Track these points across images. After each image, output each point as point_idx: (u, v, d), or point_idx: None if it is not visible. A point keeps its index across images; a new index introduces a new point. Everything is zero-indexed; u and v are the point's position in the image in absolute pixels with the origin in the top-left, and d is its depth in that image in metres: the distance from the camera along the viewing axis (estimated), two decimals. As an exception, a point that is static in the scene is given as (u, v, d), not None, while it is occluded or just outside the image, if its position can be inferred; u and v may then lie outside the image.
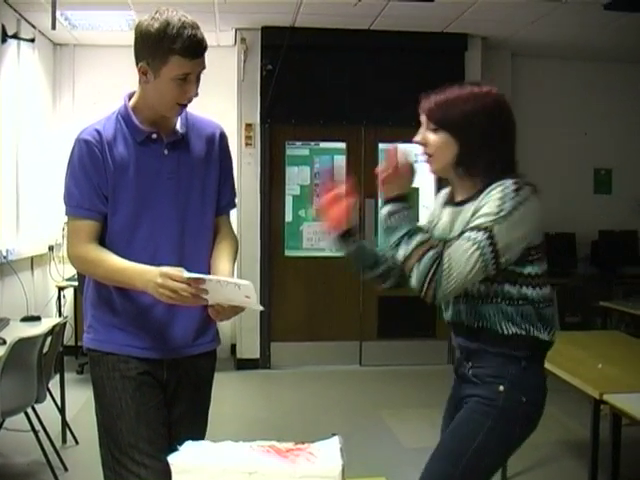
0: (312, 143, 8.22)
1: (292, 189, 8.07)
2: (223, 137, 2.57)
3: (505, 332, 2.28)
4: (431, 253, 2.17)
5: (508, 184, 2.19)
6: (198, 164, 2.47)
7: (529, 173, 2.31)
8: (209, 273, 2.43)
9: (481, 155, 2.29)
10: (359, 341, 7.90)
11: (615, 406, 3.10)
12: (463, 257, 2.14)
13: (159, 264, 2.27)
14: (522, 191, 2.18)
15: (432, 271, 2.15)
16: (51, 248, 7.51)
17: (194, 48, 2.26)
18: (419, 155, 2.37)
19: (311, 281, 7.91)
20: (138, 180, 2.38)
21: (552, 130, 8.42)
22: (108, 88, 7.36)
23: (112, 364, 2.41)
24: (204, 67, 2.33)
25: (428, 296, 2.18)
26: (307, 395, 6.65)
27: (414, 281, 2.19)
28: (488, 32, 7.77)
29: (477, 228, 2.15)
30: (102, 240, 2.40)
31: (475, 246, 2.14)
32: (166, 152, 2.42)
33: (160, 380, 2.45)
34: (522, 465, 4.64)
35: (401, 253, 2.23)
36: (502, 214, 2.15)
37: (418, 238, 2.22)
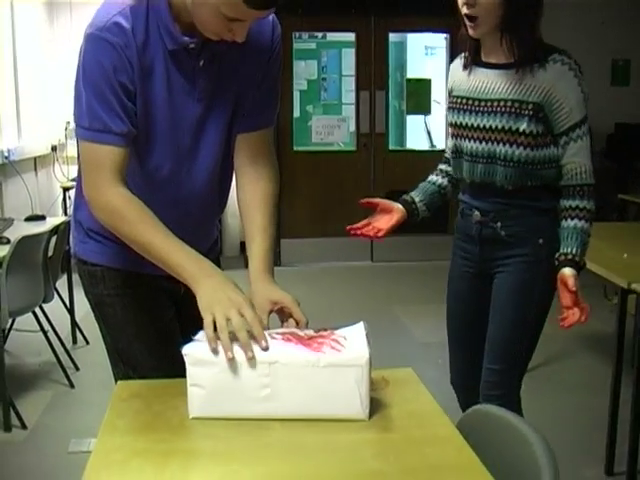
0: (319, 36, 7.96)
1: (299, 84, 7.88)
2: (277, 36, 1.97)
3: (534, 185, 2.44)
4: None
5: (573, 64, 2.33)
6: (238, 75, 1.93)
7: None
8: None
9: (524, 17, 2.33)
10: (370, 237, 7.78)
11: (644, 295, 2.99)
12: (587, 153, 2.39)
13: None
14: (580, 68, 2.36)
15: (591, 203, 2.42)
16: (54, 148, 7.32)
17: (265, 0, 1.66)
18: (465, 15, 2.35)
19: (320, 176, 7.78)
20: (164, 100, 1.85)
21: (569, 19, 8.09)
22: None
23: (122, 280, 2.02)
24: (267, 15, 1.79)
25: None
26: (318, 292, 6.58)
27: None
28: None
29: (581, 122, 2.36)
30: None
31: (586, 136, 2.38)
32: (202, 63, 1.85)
33: (176, 295, 2.04)
34: (539, 359, 4.57)
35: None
36: (586, 97, 2.36)
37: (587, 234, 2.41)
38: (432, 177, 2.75)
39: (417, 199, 2.67)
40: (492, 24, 2.34)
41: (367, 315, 5.92)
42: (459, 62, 2.57)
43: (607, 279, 3.24)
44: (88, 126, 1.78)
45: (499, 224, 2.48)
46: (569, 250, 2.36)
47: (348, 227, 2.58)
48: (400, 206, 2.62)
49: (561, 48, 2.37)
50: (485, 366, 2.57)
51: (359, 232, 2.59)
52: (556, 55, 2.33)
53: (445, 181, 2.73)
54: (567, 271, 2.34)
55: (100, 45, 1.74)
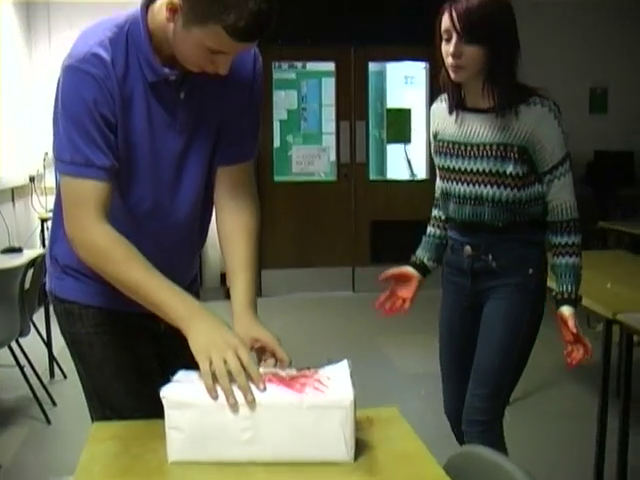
0: (299, 65, 7.98)
1: (279, 114, 7.88)
2: (258, 68, 1.94)
3: (522, 221, 2.50)
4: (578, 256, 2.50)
5: (552, 106, 2.39)
6: (219, 107, 1.89)
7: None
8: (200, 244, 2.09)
9: (505, 66, 2.39)
10: (352, 267, 7.76)
11: (630, 325, 2.97)
12: (570, 189, 2.46)
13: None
14: (558, 108, 2.42)
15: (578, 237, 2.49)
16: (32, 179, 7.26)
17: (250, 32, 1.60)
18: (450, 65, 2.40)
19: (301, 206, 7.76)
20: (144, 132, 1.80)
21: (546, 49, 8.15)
22: (87, 10, 7.05)
23: (100, 318, 1.96)
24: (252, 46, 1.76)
25: None
26: (300, 323, 6.52)
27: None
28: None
29: (563, 161, 2.41)
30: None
31: (569, 173, 2.44)
32: (182, 95, 1.81)
33: (156, 332, 1.99)
34: (524, 389, 4.53)
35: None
36: (565, 138, 2.41)
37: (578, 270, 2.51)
38: (430, 229, 2.82)
39: (425, 259, 2.78)
40: (475, 70, 2.39)
41: (349, 346, 5.89)
42: (441, 106, 2.61)
43: (592, 309, 3.22)
44: (70, 160, 1.72)
45: (490, 256, 2.53)
46: (565, 288, 2.47)
47: (377, 306, 2.76)
48: (414, 271, 2.76)
49: (539, 89, 2.43)
50: (471, 392, 2.58)
51: (388, 310, 2.76)
52: (536, 97, 2.40)
53: (443, 231, 2.78)
54: (566, 311, 2.45)
55: (80, 77, 1.70)
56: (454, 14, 2.33)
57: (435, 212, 2.81)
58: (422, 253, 2.79)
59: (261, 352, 1.76)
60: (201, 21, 1.59)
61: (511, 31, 2.40)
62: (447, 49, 2.37)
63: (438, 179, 2.68)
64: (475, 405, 2.56)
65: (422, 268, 2.77)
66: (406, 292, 2.76)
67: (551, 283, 2.61)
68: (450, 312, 2.73)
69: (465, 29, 2.31)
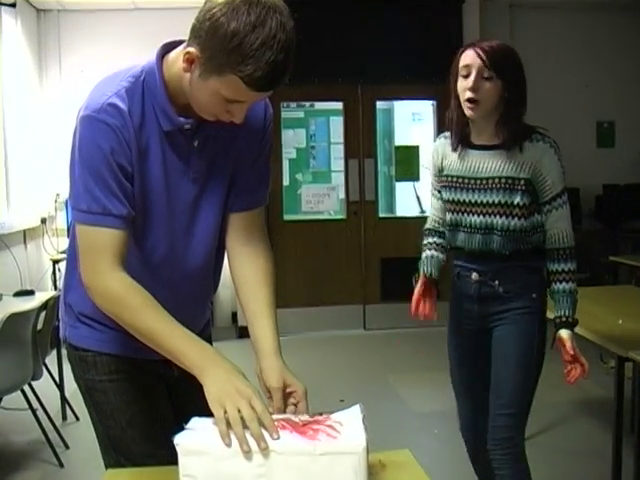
0: (307, 104, 8.03)
1: (288, 152, 7.91)
2: (269, 116, 1.97)
3: (525, 249, 2.69)
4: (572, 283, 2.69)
5: (552, 142, 2.60)
6: (232, 155, 1.91)
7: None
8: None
9: (517, 103, 2.61)
10: (362, 305, 7.75)
11: (642, 363, 2.96)
12: (567, 220, 2.66)
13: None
14: (557, 145, 2.62)
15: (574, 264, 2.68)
16: (44, 221, 7.32)
17: (267, 82, 1.60)
18: (467, 99, 2.59)
19: (311, 245, 7.75)
20: (160, 180, 1.82)
21: (553, 83, 8.21)
22: (96, 54, 7.16)
23: (115, 366, 1.96)
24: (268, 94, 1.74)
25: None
26: (311, 362, 6.49)
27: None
28: (485, -17, 7.57)
29: (561, 193, 2.64)
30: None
31: (566, 205, 2.66)
32: (196, 144, 1.84)
33: (169, 378, 2.00)
34: (538, 426, 4.50)
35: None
36: (564, 171, 2.63)
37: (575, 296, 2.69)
38: (431, 252, 2.94)
39: (434, 274, 2.89)
40: (488, 107, 2.59)
41: (360, 384, 5.86)
42: (445, 142, 2.80)
43: (604, 347, 3.21)
44: (87, 209, 1.73)
45: (497, 282, 2.71)
46: (563, 313, 2.66)
47: (413, 313, 2.85)
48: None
49: (539, 127, 2.64)
50: (495, 413, 2.73)
51: (426, 310, 2.86)
52: (537, 135, 2.62)
53: (445, 256, 2.94)
54: (564, 334, 2.63)
55: (97, 127, 1.71)
56: (479, 50, 2.55)
57: (431, 239, 2.94)
58: (429, 269, 2.89)
59: (286, 398, 1.80)
60: (218, 71, 1.61)
61: (522, 74, 2.63)
62: (465, 84, 2.57)
63: (432, 211, 2.92)
64: (501, 425, 2.70)
65: (433, 281, 2.89)
66: (429, 302, 2.87)
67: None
68: (458, 337, 2.88)
69: (490, 61, 2.53)
